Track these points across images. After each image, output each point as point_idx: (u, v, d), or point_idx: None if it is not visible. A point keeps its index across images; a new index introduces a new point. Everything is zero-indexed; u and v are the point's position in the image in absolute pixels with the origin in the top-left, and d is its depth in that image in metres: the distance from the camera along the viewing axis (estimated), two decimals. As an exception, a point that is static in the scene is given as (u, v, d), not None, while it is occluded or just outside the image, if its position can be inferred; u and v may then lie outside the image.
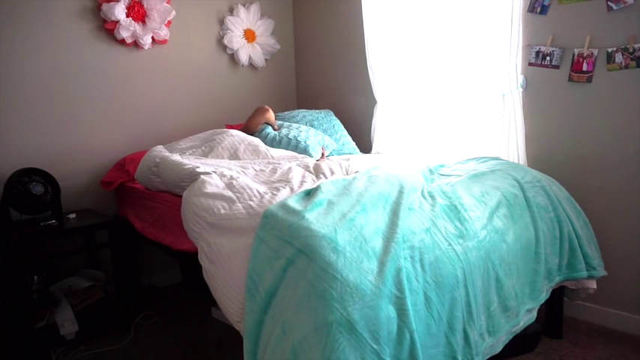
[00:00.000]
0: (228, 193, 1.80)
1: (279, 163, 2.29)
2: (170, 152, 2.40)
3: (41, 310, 2.31)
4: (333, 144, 3.01)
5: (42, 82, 2.59)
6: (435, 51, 2.81)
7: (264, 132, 2.84)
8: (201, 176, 1.93)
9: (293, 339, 1.30)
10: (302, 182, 1.97)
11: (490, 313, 1.66)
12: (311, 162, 2.27)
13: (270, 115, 2.92)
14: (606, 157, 2.27)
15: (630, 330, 2.29)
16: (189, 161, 2.19)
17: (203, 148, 2.49)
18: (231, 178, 1.94)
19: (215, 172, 2.00)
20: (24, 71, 2.52)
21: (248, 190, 1.81)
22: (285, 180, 1.97)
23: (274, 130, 2.89)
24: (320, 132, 2.99)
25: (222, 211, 1.71)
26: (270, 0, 3.57)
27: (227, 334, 2.34)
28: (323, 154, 2.86)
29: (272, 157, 2.45)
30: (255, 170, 2.16)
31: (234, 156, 2.44)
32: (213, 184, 1.87)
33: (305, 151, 2.74)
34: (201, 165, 2.10)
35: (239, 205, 1.72)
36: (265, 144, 2.64)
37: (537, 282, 1.89)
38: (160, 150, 2.40)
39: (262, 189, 1.86)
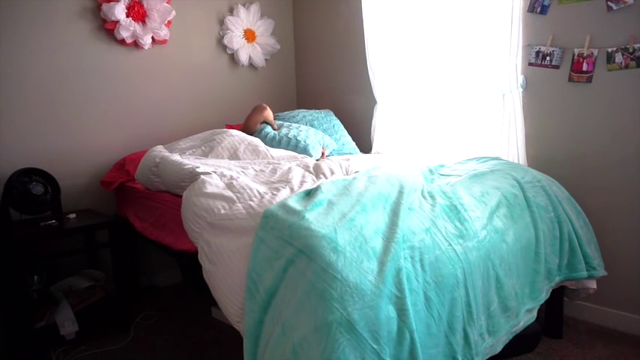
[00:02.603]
0: (228, 193, 1.80)
1: (279, 163, 2.29)
2: (170, 152, 2.40)
3: (41, 310, 2.31)
4: (333, 144, 3.01)
5: (42, 82, 2.59)
6: (434, 51, 2.81)
7: (263, 132, 2.84)
8: (201, 176, 1.93)
9: (293, 339, 1.30)
10: (302, 182, 1.97)
11: (490, 313, 1.66)
12: (311, 162, 2.27)
13: (269, 113, 2.92)
14: (606, 157, 2.27)
15: (630, 330, 2.29)
16: (189, 161, 2.19)
17: (203, 148, 2.49)
18: (231, 178, 1.94)
19: (215, 172, 2.00)
20: (24, 71, 2.52)
21: (248, 190, 1.81)
22: (285, 180, 1.97)
23: (274, 129, 2.89)
24: (320, 131, 2.99)
25: (222, 211, 1.71)
26: (270, 0, 3.57)
27: (227, 334, 2.34)
28: (323, 154, 2.86)
29: (272, 157, 2.45)
30: (255, 170, 2.16)
31: (234, 156, 2.44)
32: (214, 184, 1.87)
33: (305, 150, 2.74)
34: (201, 165, 2.10)
35: (239, 205, 1.72)
36: (265, 144, 2.64)
37: (537, 282, 1.89)
38: (160, 150, 2.40)
39: (262, 189, 1.85)
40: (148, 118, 3.01)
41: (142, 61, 2.96)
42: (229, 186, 1.87)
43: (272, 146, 2.71)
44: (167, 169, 2.17)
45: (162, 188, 2.28)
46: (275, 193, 1.80)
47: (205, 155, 2.42)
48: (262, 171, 2.15)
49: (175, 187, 2.11)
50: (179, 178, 2.06)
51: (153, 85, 3.02)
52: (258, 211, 1.62)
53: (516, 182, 2.04)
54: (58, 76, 2.64)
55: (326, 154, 2.89)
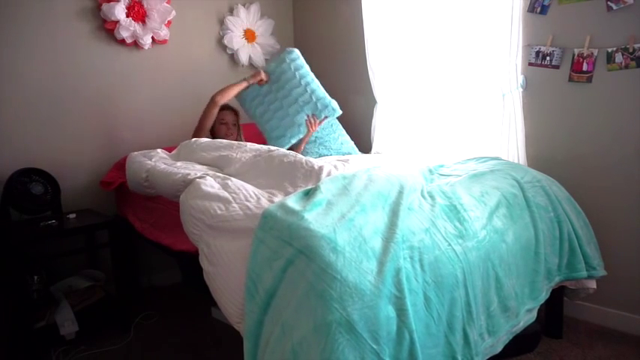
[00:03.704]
0: (224, 194, 1.80)
1: (260, 155, 2.18)
2: (150, 159, 2.36)
3: (41, 310, 2.31)
4: (337, 110, 2.85)
5: (42, 82, 2.59)
6: (435, 51, 2.81)
7: (250, 94, 2.81)
8: (196, 179, 1.92)
9: (292, 339, 1.30)
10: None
11: (490, 313, 1.66)
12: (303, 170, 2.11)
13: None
14: (606, 157, 2.27)
15: (630, 330, 2.29)
16: (178, 169, 2.13)
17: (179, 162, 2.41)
18: (225, 178, 1.94)
19: (207, 174, 1.98)
20: (24, 71, 2.53)
21: (244, 191, 1.81)
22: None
23: (260, 83, 2.81)
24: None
25: (219, 212, 1.70)
26: (270, 0, 3.57)
27: (227, 334, 2.34)
28: (312, 125, 2.77)
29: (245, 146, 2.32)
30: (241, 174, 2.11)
31: (213, 161, 2.31)
32: (208, 185, 1.86)
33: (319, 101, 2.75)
34: (191, 171, 2.07)
35: (235, 205, 1.72)
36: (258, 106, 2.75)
37: (537, 282, 1.89)
38: (140, 160, 2.36)
39: (257, 191, 1.85)
40: (148, 118, 3.01)
41: (142, 61, 2.96)
42: (224, 186, 1.86)
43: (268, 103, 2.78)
44: (159, 181, 2.13)
45: (160, 194, 2.26)
46: (271, 196, 1.79)
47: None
48: (249, 169, 2.11)
49: (173, 197, 2.06)
50: (174, 188, 2.01)
51: (153, 85, 3.02)
52: (256, 212, 1.62)
53: (516, 182, 2.04)
54: (58, 76, 2.64)
55: (316, 127, 2.81)
